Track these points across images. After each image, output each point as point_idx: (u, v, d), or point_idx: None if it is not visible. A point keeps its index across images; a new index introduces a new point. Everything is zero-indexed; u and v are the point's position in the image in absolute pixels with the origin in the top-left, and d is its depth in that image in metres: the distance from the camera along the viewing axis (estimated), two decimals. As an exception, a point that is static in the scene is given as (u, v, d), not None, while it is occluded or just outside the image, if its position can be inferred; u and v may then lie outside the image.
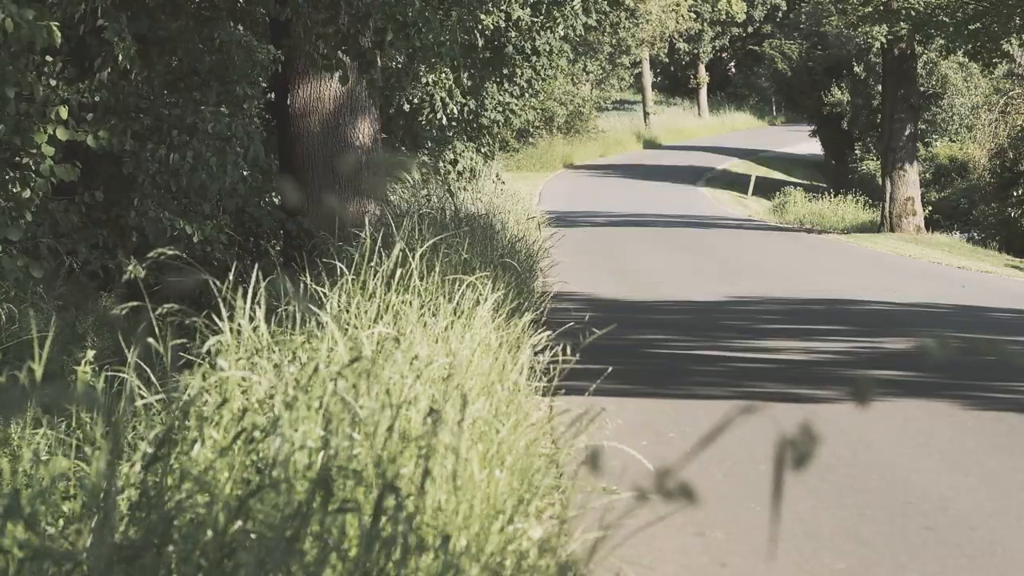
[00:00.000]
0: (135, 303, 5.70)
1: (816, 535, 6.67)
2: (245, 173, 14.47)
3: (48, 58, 11.52)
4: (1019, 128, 41.64)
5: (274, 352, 5.69)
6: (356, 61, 13.64)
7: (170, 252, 5.86)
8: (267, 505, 4.36)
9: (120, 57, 11.69)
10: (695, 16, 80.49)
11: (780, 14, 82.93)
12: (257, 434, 4.77)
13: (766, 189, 53.39)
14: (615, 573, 5.60)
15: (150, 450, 4.75)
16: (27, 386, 4.84)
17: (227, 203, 14.53)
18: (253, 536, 4.26)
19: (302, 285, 7.09)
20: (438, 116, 23.93)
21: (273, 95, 16.57)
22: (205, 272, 5.90)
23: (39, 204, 11.32)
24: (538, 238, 19.42)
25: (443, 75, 23.38)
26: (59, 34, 10.15)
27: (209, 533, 4.30)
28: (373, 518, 4.22)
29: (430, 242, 8.76)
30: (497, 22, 24.49)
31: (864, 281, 21.60)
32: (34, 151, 11.08)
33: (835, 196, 46.40)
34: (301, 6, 13.31)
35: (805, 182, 57.75)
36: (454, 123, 24.70)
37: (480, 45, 23.19)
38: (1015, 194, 39.78)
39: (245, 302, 5.87)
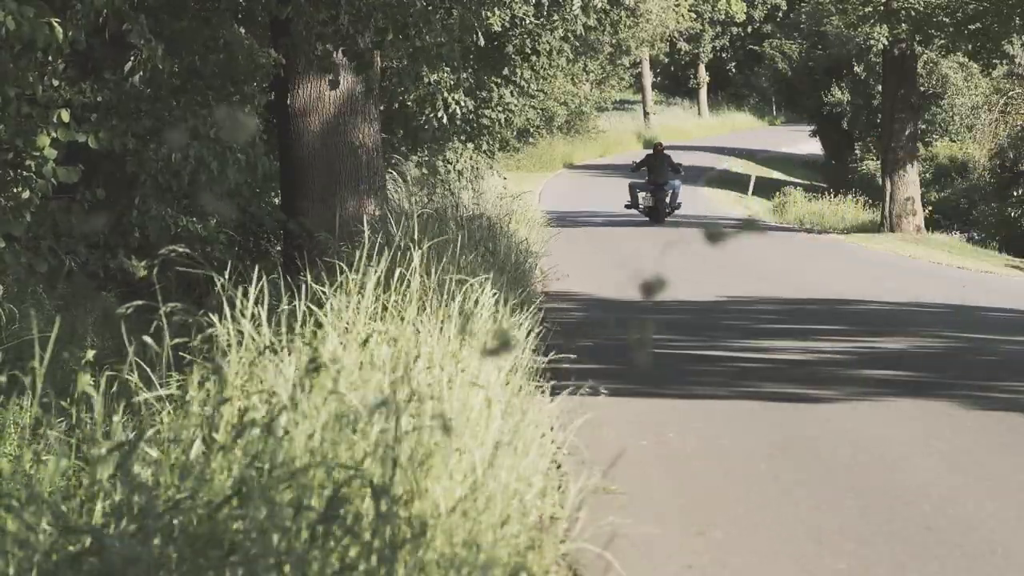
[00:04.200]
0: (139, 302, 5.69)
1: (816, 535, 6.68)
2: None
3: (50, 58, 11.48)
4: (1019, 128, 41.62)
5: (276, 352, 5.69)
6: (353, 61, 13.61)
7: (181, 250, 5.85)
8: (267, 505, 4.36)
9: (149, 59, 11.63)
10: (695, 16, 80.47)
11: (780, 14, 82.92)
12: (256, 432, 4.77)
13: (766, 189, 53.35)
14: (615, 573, 5.60)
15: (150, 450, 4.76)
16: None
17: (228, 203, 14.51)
18: (253, 536, 4.26)
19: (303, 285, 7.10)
20: (439, 115, 23.90)
21: (273, 95, 16.58)
22: (209, 269, 5.90)
23: (39, 205, 11.30)
24: (539, 238, 19.42)
25: (445, 74, 23.36)
26: (60, 31, 10.11)
27: (208, 533, 4.30)
28: (325, 511, 4.22)
29: (429, 242, 8.75)
30: (503, 22, 24.45)
31: (864, 281, 21.59)
32: (37, 153, 11.04)
33: (835, 196, 46.33)
34: (303, 6, 13.28)
35: (805, 182, 57.69)
36: (456, 123, 24.67)
37: (481, 44, 23.19)
38: (1015, 194, 39.76)
39: (247, 301, 5.86)
